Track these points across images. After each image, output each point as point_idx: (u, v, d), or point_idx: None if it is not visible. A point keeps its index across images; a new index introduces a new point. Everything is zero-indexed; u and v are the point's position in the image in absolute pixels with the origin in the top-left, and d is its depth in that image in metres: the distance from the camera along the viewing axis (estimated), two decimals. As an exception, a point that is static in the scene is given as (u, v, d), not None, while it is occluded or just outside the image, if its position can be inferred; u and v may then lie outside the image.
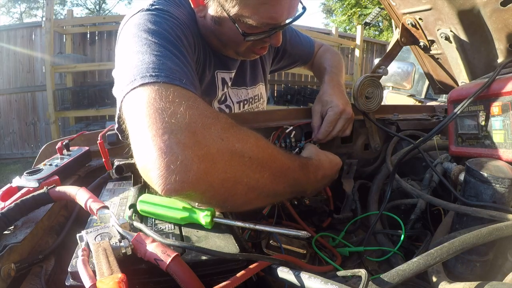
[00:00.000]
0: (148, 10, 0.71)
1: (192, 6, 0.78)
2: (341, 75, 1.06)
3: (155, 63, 0.56)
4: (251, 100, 1.12)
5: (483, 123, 0.69)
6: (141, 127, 0.48)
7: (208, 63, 0.91)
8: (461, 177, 0.66)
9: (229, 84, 1.00)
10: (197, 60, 0.84)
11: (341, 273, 0.46)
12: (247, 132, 0.56)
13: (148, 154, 0.46)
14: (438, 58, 1.09)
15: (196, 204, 0.55)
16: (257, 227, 0.51)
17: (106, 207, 0.49)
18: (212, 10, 0.75)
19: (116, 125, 0.65)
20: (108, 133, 0.81)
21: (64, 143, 0.78)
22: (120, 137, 0.67)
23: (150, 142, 0.46)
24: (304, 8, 0.81)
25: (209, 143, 0.49)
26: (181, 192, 0.47)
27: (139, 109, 0.50)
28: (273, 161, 0.58)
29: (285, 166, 0.61)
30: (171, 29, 0.67)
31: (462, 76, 0.97)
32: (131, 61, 0.58)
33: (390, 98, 3.72)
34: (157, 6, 0.72)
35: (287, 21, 0.76)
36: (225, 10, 0.72)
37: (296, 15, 0.77)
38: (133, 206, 0.56)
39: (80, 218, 0.62)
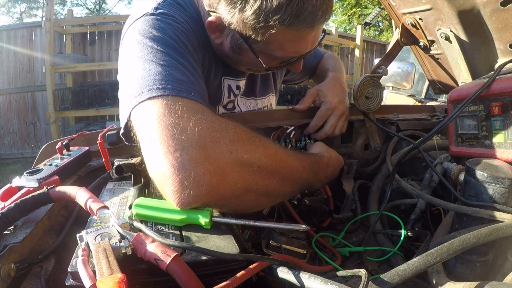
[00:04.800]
0: (152, 14, 0.70)
1: (208, 32, 0.76)
2: (343, 76, 1.07)
3: (161, 74, 0.57)
4: (260, 109, 1.11)
5: (483, 123, 0.69)
6: (153, 144, 0.50)
7: (215, 68, 0.89)
8: (461, 177, 0.66)
9: (237, 93, 0.99)
10: (203, 65, 0.83)
11: (341, 273, 0.46)
12: (255, 141, 0.57)
13: (162, 170, 0.49)
14: (438, 58, 1.09)
15: None
16: (256, 223, 0.51)
17: (106, 207, 0.49)
18: (232, 39, 0.73)
19: (122, 131, 0.65)
20: (108, 133, 0.81)
21: (64, 143, 0.78)
22: (125, 141, 0.67)
23: (163, 158, 0.49)
24: (324, 32, 0.78)
25: (219, 157, 0.51)
26: (195, 205, 0.50)
27: (149, 124, 0.52)
28: (282, 166, 0.60)
29: (295, 170, 0.63)
30: (176, 35, 0.67)
31: (462, 76, 0.97)
32: (137, 71, 0.60)
33: (390, 98, 3.72)
34: (161, 10, 0.71)
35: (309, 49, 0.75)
36: (247, 43, 0.70)
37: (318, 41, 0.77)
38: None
39: (80, 218, 0.62)
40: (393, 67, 2.26)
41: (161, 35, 0.65)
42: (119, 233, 0.43)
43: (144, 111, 0.54)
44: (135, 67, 0.61)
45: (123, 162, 0.65)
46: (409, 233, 0.71)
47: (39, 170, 0.67)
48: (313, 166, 0.69)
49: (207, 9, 0.72)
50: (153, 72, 0.58)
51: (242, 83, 0.99)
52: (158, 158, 0.49)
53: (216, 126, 0.53)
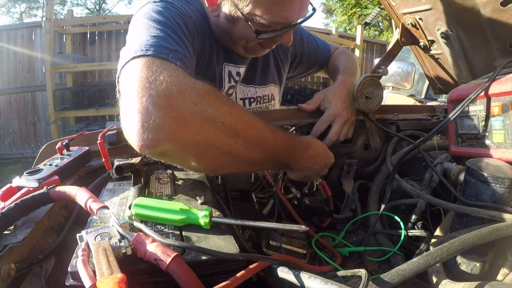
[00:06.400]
0: (154, 2, 0.79)
1: (207, 5, 0.84)
2: (354, 77, 1.08)
3: (149, 41, 0.63)
4: (259, 99, 1.13)
5: (483, 123, 0.69)
6: (127, 93, 0.55)
7: (216, 55, 0.94)
8: (461, 177, 0.66)
9: (237, 79, 1.02)
10: (201, 50, 0.89)
11: (341, 273, 0.46)
12: (222, 99, 0.60)
13: (128, 114, 0.53)
14: (438, 58, 1.09)
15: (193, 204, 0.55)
16: (256, 224, 0.51)
17: (106, 207, 0.49)
18: (226, 9, 0.81)
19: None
20: (108, 133, 0.81)
21: (64, 143, 0.78)
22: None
23: (131, 104, 0.52)
24: (314, 9, 0.84)
25: (182, 107, 0.53)
26: (153, 149, 0.52)
27: (128, 78, 0.57)
28: (248, 129, 0.61)
29: (263, 137, 0.64)
30: (171, 17, 0.74)
31: (462, 76, 0.97)
32: (131, 43, 0.66)
33: (390, 98, 3.72)
34: None
35: (298, 21, 0.80)
36: (238, 9, 0.77)
37: (307, 15, 0.81)
38: (133, 206, 0.56)
39: (80, 218, 0.62)
40: (393, 67, 2.25)
41: (158, 16, 0.73)
42: (119, 233, 0.43)
43: (127, 69, 0.59)
44: (131, 40, 0.67)
45: (123, 162, 0.65)
46: (409, 233, 0.71)
47: (39, 170, 0.67)
48: (288, 142, 0.70)
49: None
50: (143, 39, 0.64)
51: (242, 70, 1.03)
52: (127, 105, 0.53)
53: (185, 81, 0.56)
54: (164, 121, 0.51)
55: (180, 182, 0.70)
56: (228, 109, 0.58)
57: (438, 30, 0.93)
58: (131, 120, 0.52)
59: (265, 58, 1.10)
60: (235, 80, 1.02)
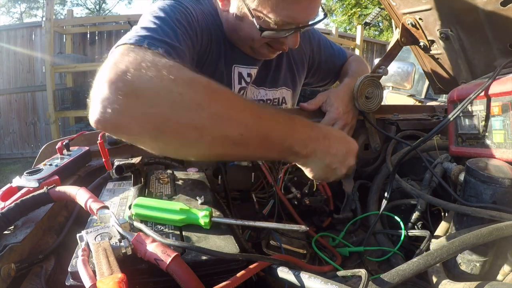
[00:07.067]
0: None
1: (218, 4, 0.86)
2: None
3: (138, 32, 0.67)
4: (269, 102, 1.11)
5: (483, 123, 0.69)
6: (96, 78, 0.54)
7: (224, 57, 0.94)
8: (461, 177, 0.66)
9: (248, 80, 1.01)
10: (206, 51, 0.90)
11: (341, 273, 0.46)
12: (185, 71, 0.52)
13: (91, 96, 0.53)
14: (438, 58, 1.09)
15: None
16: (256, 224, 0.51)
17: (106, 207, 0.49)
18: (235, 4, 0.83)
19: None
20: (108, 133, 0.81)
21: (64, 143, 0.78)
22: None
23: (93, 86, 0.53)
24: (325, 15, 0.84)
25: (136, 81, 0.49)
26: (105, 124, 0.50)
27: (103, 65, 0.55)
28: (214, 99, 0.52)
29: (236, 107, 0.53)
30: (174, 14, 0.77)
31: (462, 76, 0.97)
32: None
33: (390, 98, 3.72)
34: None
35: (307, 24, 0.79)
36: (245, 5, 0.79)
37: (316, 20, 0.80)
38: (133, 206, 0.56)
39: (80, 218, 0.62)
40: (393, 67, 2.26)
41: (161, 12, 0.77)
42: (119, 233, 0.43)
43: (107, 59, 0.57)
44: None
45: (123, 162, 0.65)
46: (409, 233, 0.71)
47: (39, 170, 0.67)
48: (280, 117, 0.57)
49: None
50: (133, 30, 0.68)
51: (254, 71, 1.02)
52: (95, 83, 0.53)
53: (149, 59, 0.51)
54: (116, 96, 0.48)
55: (180, 182, 0.70)
56: (189, 79, 0.51)
57: (438, 30, 0.93)
58: (91, 100, 0.52)
59: (278, 60, 1.07)
60: (246, 81, 1.00)
